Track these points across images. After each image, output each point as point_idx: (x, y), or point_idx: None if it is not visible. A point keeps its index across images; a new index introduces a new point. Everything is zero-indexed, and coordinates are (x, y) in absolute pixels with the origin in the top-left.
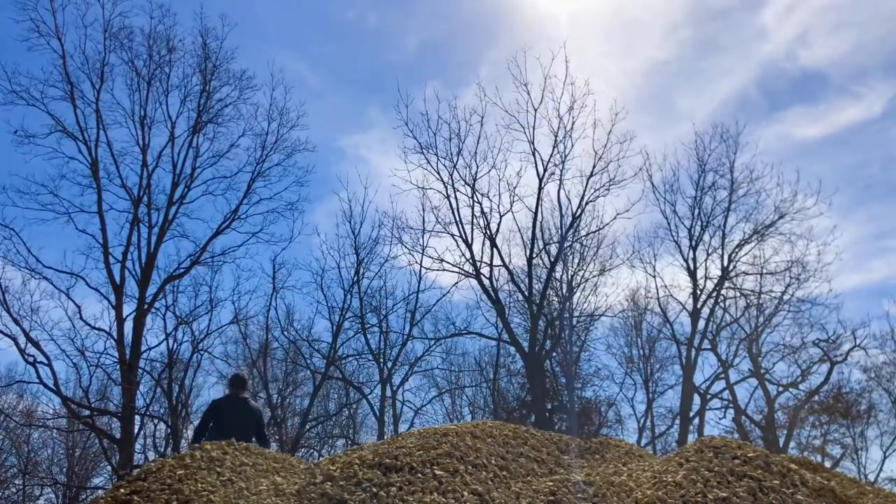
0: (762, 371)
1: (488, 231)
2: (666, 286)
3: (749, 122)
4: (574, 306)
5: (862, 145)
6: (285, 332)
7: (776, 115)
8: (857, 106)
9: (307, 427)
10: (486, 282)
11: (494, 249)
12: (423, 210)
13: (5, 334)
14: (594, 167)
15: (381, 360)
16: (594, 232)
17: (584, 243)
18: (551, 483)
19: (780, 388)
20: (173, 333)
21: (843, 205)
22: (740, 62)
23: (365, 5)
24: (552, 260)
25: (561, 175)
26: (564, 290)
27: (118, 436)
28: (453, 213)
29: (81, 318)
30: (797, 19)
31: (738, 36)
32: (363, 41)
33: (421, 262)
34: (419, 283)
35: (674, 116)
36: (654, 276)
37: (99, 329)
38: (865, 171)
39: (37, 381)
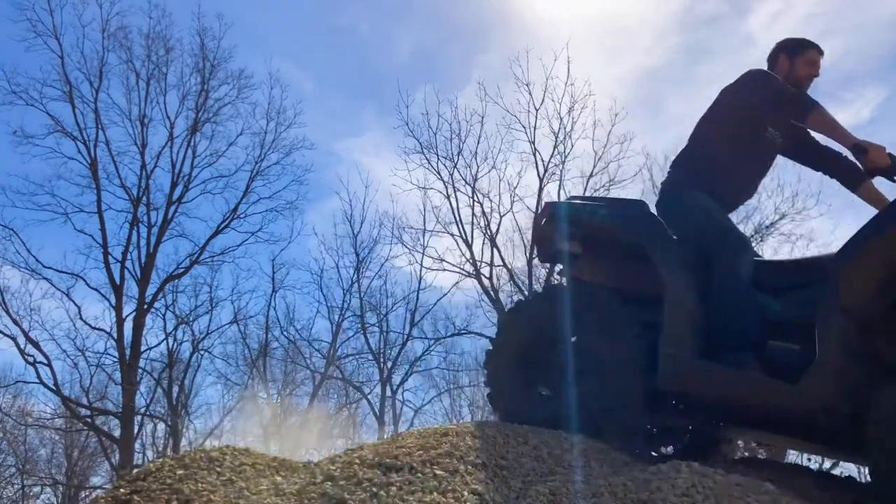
0: None
1: (489, 231)
2: None
3: None
4: None
5: None
6: (285, 332)
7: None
8: (845, 111)
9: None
10: (487, 282)
11: (495, 249)
12: (424, 210)
13: (5, 334)
14: (594, 167)
15: (381, 359)
16: None
17: None
18: (552, 483)
19: None
20: (173, 333)
21: (834, 209)
22: (730, 68)
23: (357, 13)
24: None
25: (561, 175)
26: None
27: (118, 436)
28: (453, 213)
29: (81, 318)
30: (784, 27)
31: (726, 43)
32: (355, 48)
33: (421, 261)
34: (419, 282)
35: (665, 121)
36: None
37: (99, 329)
38: None
39: (36, 381)
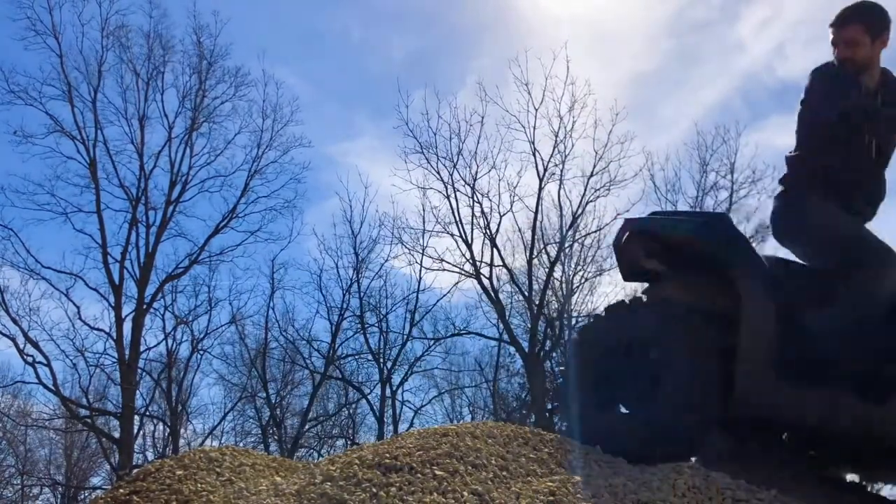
0: None
1: (488, 231)
2: None
3: (732, 131)
4: (574, 307)
5: None
6: (284, 332)
7: (757, 125)
8: None
9: (306, 427)
10: (486, 282)
11: (494, 250)
12: (423, 210)
13: (4, 335)
14: (594, 167)
15: (381, 360)
16: (594, 232)
17: (585, 244)
18: (552, 484)
19: None
20: (172, 333)
21: None
22: (721, 73)
23: (349, 18)
24: (552, 260)
25: (561, 175)
26: (564, 291)
27: (117, 436)
28: (453, 213)
29: (80, 318)
30: (773, 33)
31: (717, 48)
32: (348, 53)
33: (421, 261)
34: (419, 283)
35: (658, 125)
36: None
37: (98, 329)
38: None
39: (35, 381)
